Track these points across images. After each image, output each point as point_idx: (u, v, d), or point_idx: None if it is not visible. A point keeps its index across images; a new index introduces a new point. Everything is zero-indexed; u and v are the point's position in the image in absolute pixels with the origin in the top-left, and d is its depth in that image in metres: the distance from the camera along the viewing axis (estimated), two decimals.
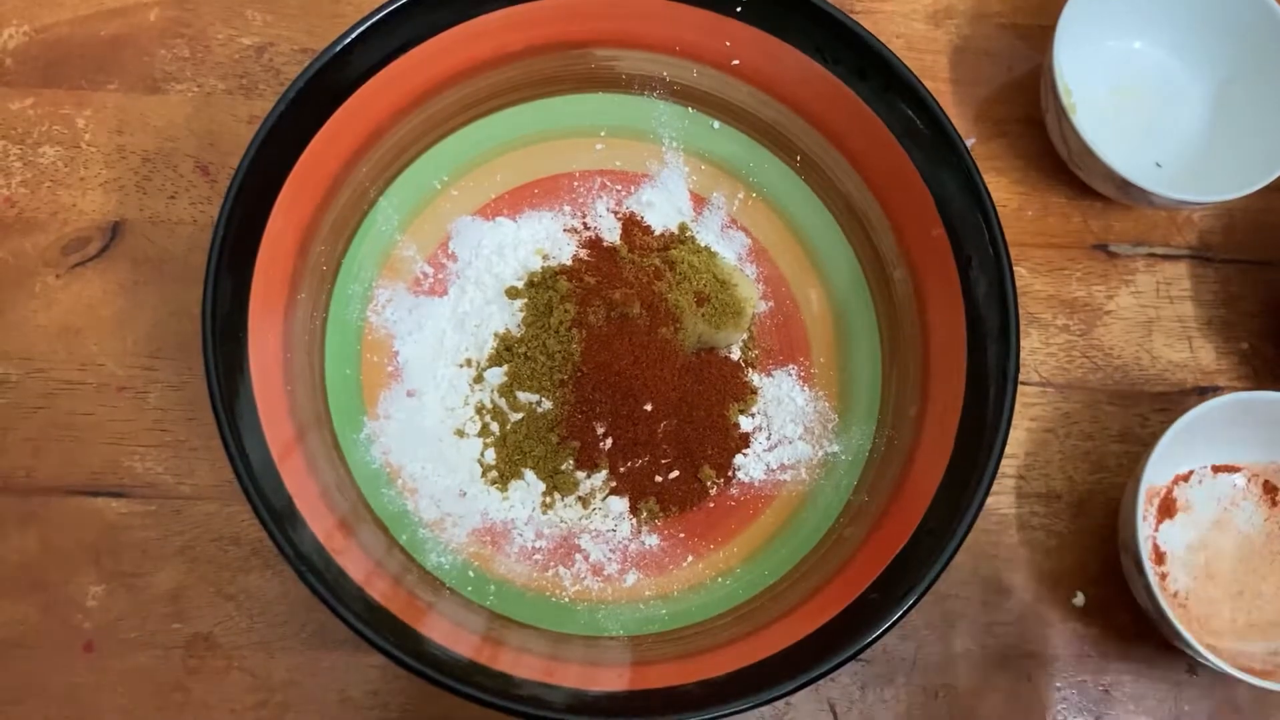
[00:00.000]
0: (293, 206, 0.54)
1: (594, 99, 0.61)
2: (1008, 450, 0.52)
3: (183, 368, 0.60)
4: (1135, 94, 0.67)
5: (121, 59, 0.65)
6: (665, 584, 0.57)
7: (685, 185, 0.63)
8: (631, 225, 0.62)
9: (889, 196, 0.58)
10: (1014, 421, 0.52)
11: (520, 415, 0.58)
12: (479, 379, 0.59)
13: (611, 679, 0.51)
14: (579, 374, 0.56)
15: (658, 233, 0.62)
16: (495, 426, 0.58)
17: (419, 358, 0.59)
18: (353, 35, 0.53)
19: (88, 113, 0.64)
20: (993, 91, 0.68)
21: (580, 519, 0.58)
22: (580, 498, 0.58)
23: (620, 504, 0.58)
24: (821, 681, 0.49)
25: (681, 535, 0.58)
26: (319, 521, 0.51)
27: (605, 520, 0.58)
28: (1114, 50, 0.68)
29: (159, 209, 0.63)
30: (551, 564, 0.57)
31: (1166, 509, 0.60)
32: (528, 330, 0.58)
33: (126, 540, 0.58)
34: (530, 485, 0.57)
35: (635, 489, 0.58)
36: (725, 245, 0.62)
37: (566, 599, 0.56)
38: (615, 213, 0.62)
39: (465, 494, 0.57)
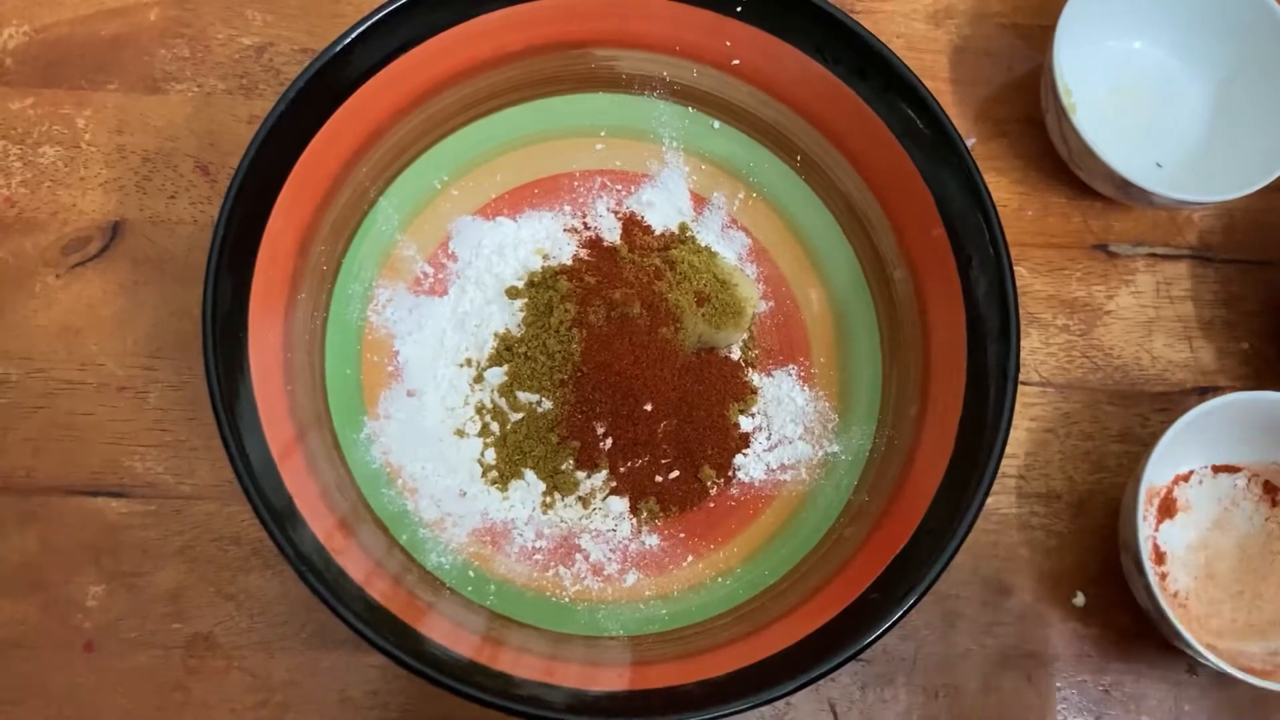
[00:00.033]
0: (293, 206, 0.54)
1: (594, 99, 0.61)
2: (1008, 450, 0.52)
3: (183, 367, 0.60)
4: (1135, 94, 0.67)
5: (121, 59, 0.65)
6: (665, 584, 0.57)
7: (685, 185, 0.63)
8: (632, 225, 0.62)
9: (889, 196, 0.58)
10: (1014, 421, 0.52)
11: (520, 415, 0.58)
12: (479, 379, 0.59)
13: (611, 679, 0.51)
14: (579, 374, 0.56)
15: (658, 232, 0.62)
16: (495, 426, 0.58)
17: (419, 357, 0.59)
18: (353, 35, 0.53)
19: (88, 113, 0.64)
20: (993, 91, 0.68)
21: (580, 519, 0.58)
22: (580, 498, 0.58)
23: (620, 504, 0.58)
24: (822, 681, 0.49)
25: (681, 535, 0.58)
26: (319, 521, 0.51)
27: (605, 520, 0.58)
28: (1114, 50, 0.68)
29: (159, 209, 0.63)
30: (552, 564, 0.57)
31: (1167, 509, 0.60)
32: (528, 330, 0.58)
33: (126, 540, 0.58)
34: (530, 485, 0.57)
35: (635, 489, 0.58)
36: (725, 245, 0.62)
37: (566, 599, 0.56)
38: (615, 212, 0.62)
39: (465, 494, 0.57)
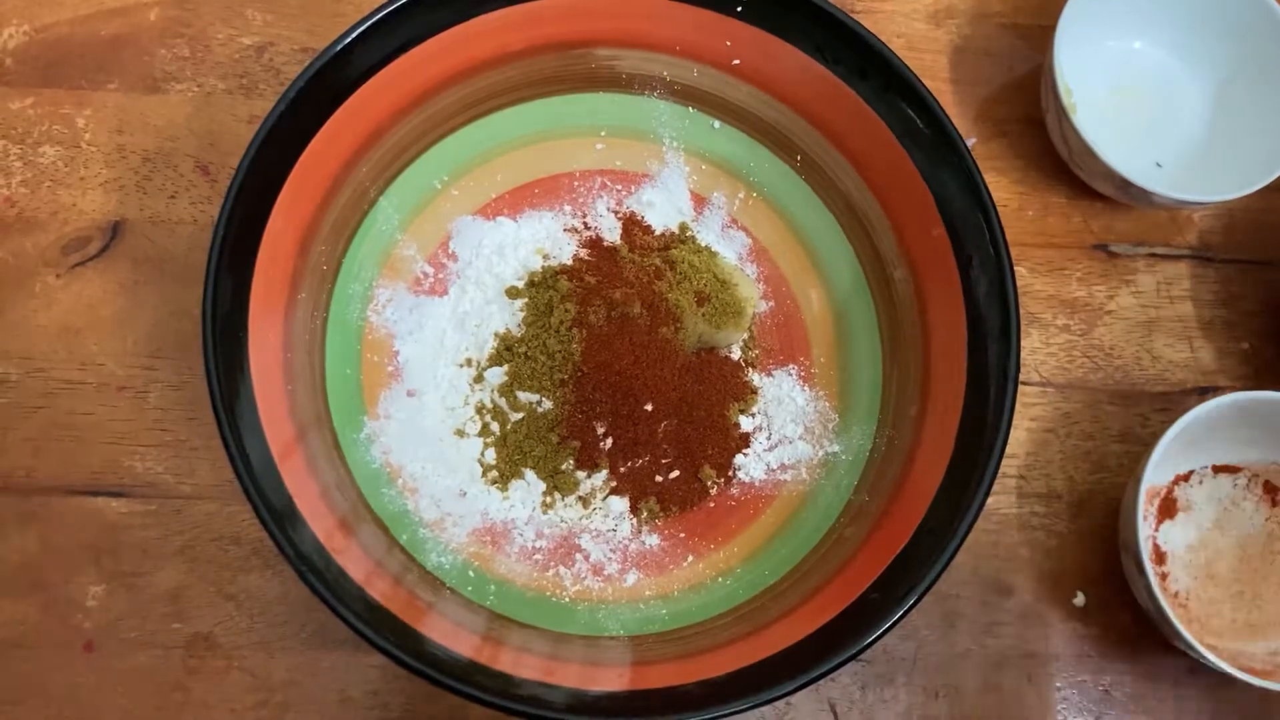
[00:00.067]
0: (293, 206, 0.54)
1: (594, 99, 0.61)
2: (1008, 450, 0.52)
3: (183, 367, 0.60)
4: (1135, 94, 0.67)
5: (122, 59, 0.65)
6: (665, 584, 0.57)
7: (686, 185, 0.63)
8: (632, 225, 0.62)
9: (889, 196, 0.58)
10: (1014, 421, 0.52)
11: (520, 415, 0.58)
12: (479, 379, 0.59)
13: (612, 679, 0.51)
14: (579, 374, 0.56)
15: (658, 232, 0.62)
16: (495, 426, 0.58)
17: (419, 357, 0.59)
18: (353, 35, 0.53)
19: (88, 112, 0.64)
20: (993, 91, 0.68)
21: (580, 519, 0.58)
22: (580, 497, 0.58)
23: (620, 504, 0.58)
24: (822, 681, 0.49)
25: (682, 535, 0.58)
26: (319, 521, 0.51)
27: (605, 520, 0.58)
28: (1114, 50, 0.68)
29: (159, 209, 0.63)
30: (552, 564, 0.57)
31: (1167, 509, 0.60)
32: (528, 330, 0.58)
33: (126, 540, 0.58)
34: (530, 485, 0.57)
35: (635, 489, 0.58)
36: (726, 245, 0.62)
37: (567, 599, 0.56)
38: (616, 212, 0.62)
39: (465, 494, 0.57)
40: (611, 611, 0.56)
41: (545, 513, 0.58)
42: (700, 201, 0.63)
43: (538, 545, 0.57)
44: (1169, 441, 0.56)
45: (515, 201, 0.62)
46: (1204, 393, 0.64)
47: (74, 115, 0.64)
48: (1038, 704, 0.60)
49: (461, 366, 0.59)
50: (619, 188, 0.63)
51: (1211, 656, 0.54)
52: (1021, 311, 0.54)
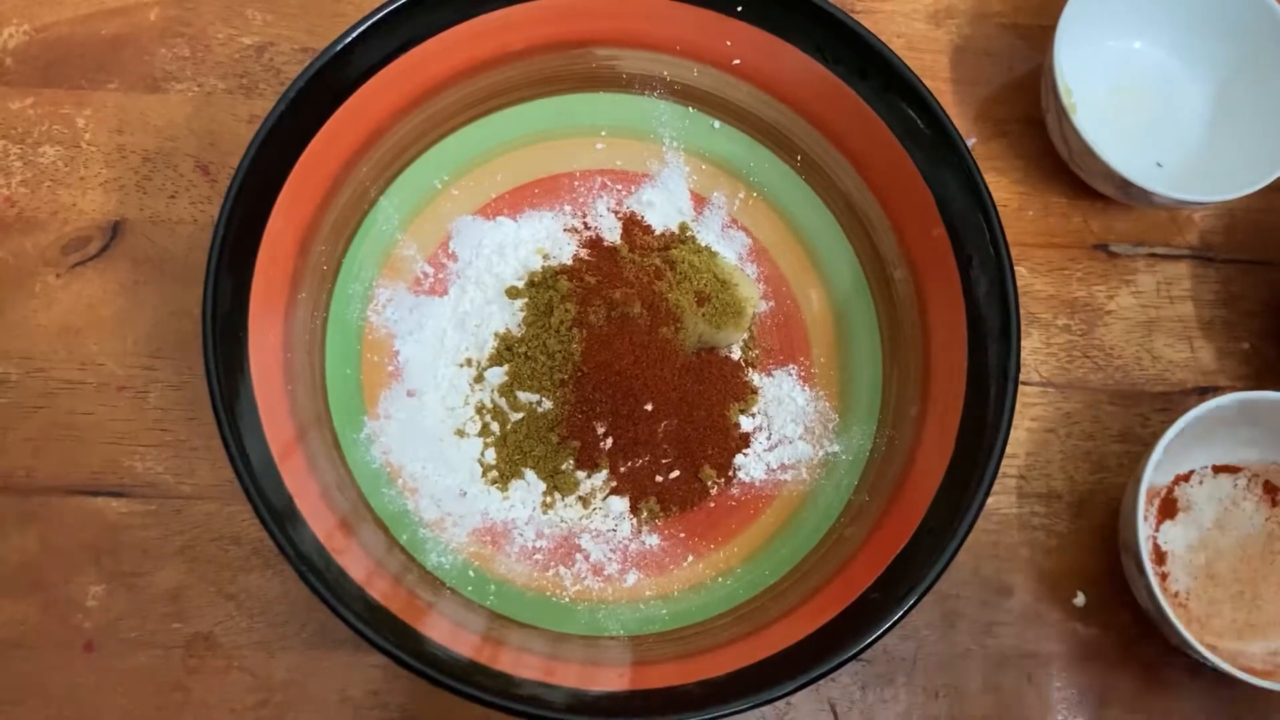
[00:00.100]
0: (293, 206, 0.54)
1: (594, 98, 0.61)
2: (1008, 450, 0.52)
3: (183, 367, 0.60)
4: (1136, 94, 0.67)
5: (122, 58, 0.65)
6: (665, 584, 0.57)
7: (686, 185, 0.63)
8: (632, 225, 0.62)
9: (889, 196, 0.58)
10: (1015, 421, 0.52)
11: (521, 415, 0.58)
12: (479, 379, 0.59)
13: (612, 679, 0.51)
14: (579, 374, 0.56)
15: (658, 232, 0.62)
16: (495, 426, 0.58)
17: (419, 357, 0.59)
18: (353, 35, 0.53)
19: (88, 112, 0.64)
20: (993, 91, 0.68)
21: (581, 519, 0.58)
22: (581, 497, 0.58)
23: (621, 504, 0.58)
24: (822, 681, 0.49)
25: (682, 535, 0.58)
26: (319, 521, 0.51)
27: (606, 520, 0.58)
28: (1114, 50, 0.68)
29: (159, 208, 0.63)
30: (552, 564, 0.57)
31: (1167, 509, 0.60)
32: (528, 330, 0.58)
33: (126, 540, 0.58)
34: (530, 485, 0.57)
35: (636, 489, 0.58)
36: (726, 245, 0.62)
37: (567, 599, 0.56)
38: (616, 212, 0.62)
39: (465, 494, 0.57)
40: (611, 611, 0.56)
41: (545, 513, 0.58)
42: (700, 201, 0.63)
43: (538, 545, 0.57)
44: (1169, 441, 0.56)
45: (515, 201, 0.62)
46: (1204, 393, 0.64)
47: (74, 115, 0.64)
48: (1038, 704, 0.60)
49: (462, 366, 0.59)
50: (619, 188, 0.63)
51: (1211, 656, 0.54)
52: (1022, 311, 0.54)
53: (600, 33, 0.59)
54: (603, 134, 0.62)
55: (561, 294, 0.57)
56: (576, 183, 0.63)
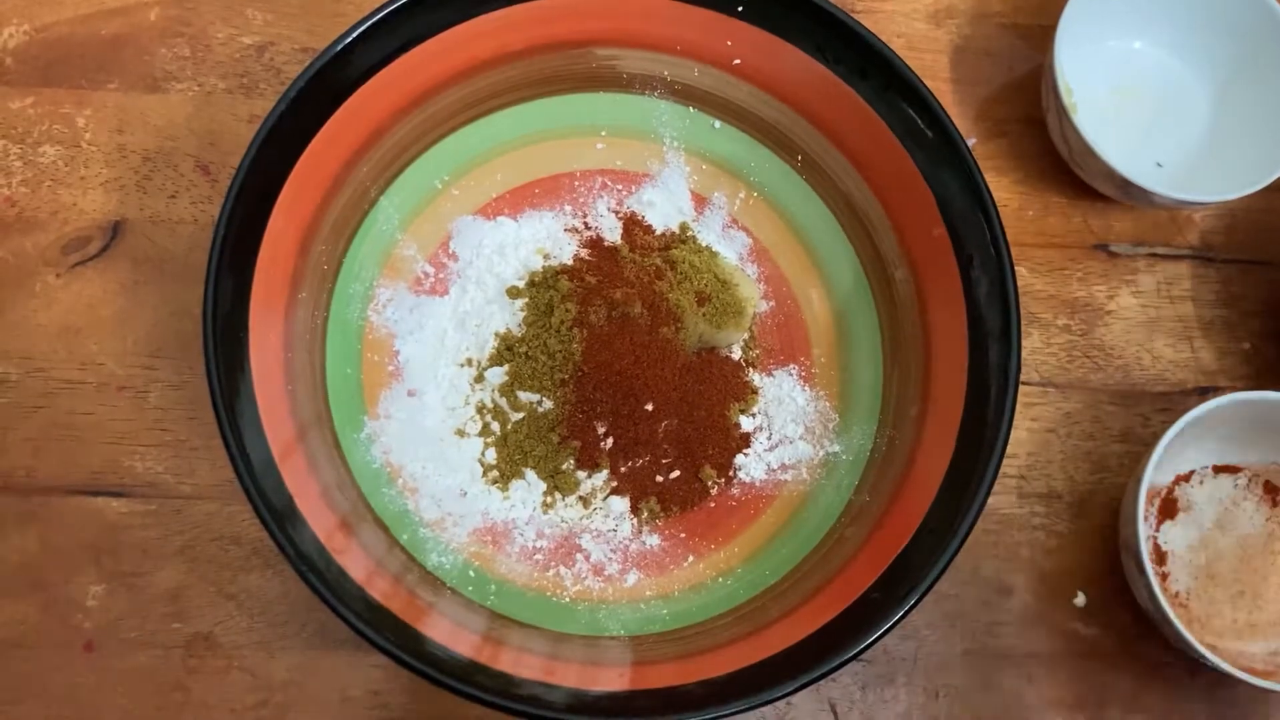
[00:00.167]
0: (293, 206, 0.54)
1: (595, 98, 0.61)
2: (1009, 450, 0.52)
3: (183, 367, 0.60)
4: (1136, 94, 0.67)
5: (122, 58, 0.65)
6: (666, 584, 0.57)
7: (686, 185, 0.63)
8: (632, 225, 0.62)
9: (890, 196, 0.58)
10: (1015, 421, 0.52)
11: (521, 415, 0.58)
12: (480, 378, 0.59)
13: (612, 679, 0.51)
14: (580, 373, 0.56)
15: (659, 232, 0.62)
16: (496, 426, 0.58)
17: (420, 357, 0.59)
18: (354, 35, 0.53)
19: (88, 112, 0.64)
20: (993, 91, 0.68)
21: (581, 519, 0.58)
22: (581, 497, 0.58)
23: (621, 504, 0.58)
24: (822, 681, 0.49)
25: (682, 535, 0.58)
26: (319, 521, 0.51)
27: (606, 520, 0.58)
28: (1115, 50, 0.68)
29: (159, 208, 0.63)
30: (552, 564, 0.57)
31: (1167, 509, 0.60)
32: (529, 330, 0.58)
33: (126, 540, 0.58)
34: (531, 485, 0.57)
35: (636, 489, 0.58)
36: (726, 245, 0.62)
37: (567, 599, 0.56)
38: (616, 212, 0.62)
39: (466, 494, 0.57)
40: (612, 611, 0.56)
41: (546, 513, 0.58)
42: (701, 201, 0.63)
43: (538, 545, 0.57)
44: (1169, 441, 0.56)
45: (516, 201, 0.62)
46: (1204, 393, 0.64)
47: (74, 115, 0.64)
48: (1038, 704, 0.60)
49: (462, 366, 0.59)
50: (619, 187, 0.63)
51: (1212, 656, 0.54)
52: (1022, 311, 0.54)
53: (600, 32, 0.59)
54: (603, 134, 0.62)
55: (562, 294, 0.57)
56: (577, 183, 0.63)
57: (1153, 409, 0.64)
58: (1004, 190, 0.66)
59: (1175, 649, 0.58)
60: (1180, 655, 0.60)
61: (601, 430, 0.57)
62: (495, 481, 0.58)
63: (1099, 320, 0.65)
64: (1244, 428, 0.59)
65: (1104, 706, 0.60)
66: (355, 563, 0.51)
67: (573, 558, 0.57)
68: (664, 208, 0.62)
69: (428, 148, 0.60)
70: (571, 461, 0.57)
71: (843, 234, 0.61)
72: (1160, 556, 0.59)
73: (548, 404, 0.57)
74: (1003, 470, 0.60)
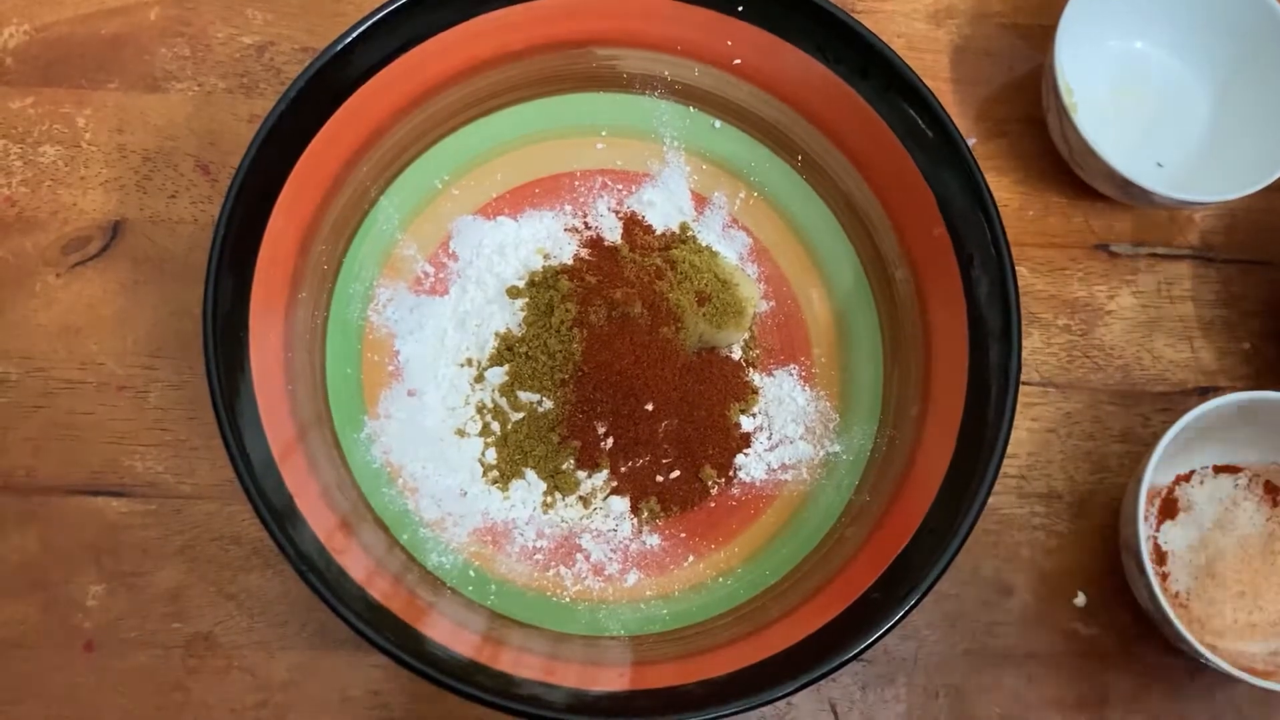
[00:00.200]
0: (293, 206, 0.54)
1: (595, 98, 0.61)
2: (1009, 450, 0.52)
3: (183, 367, 0.60)
4: (1136, 94, 0.67)
5: (122, 58, 0.65)
6: (666, 584, 0.57)
7: (686, 185, 0.63)
8: (633, 225, 0.62)
9: (890, 196, 0.58)
10: (1015, 421, 0.52)
11: (521, 415, 0.58)
12: (480, 378, 0.59)
13: (612, 679, 0.51)
14: (580, 373, 0.56)
15: (659, 232, 0.62)
16: (496, 426, 0.58)
17: (420, 357, 0.59)
18: (354, 34, 0.53)
19: (88, 112, 0.64)
20: (994, 91, 0.68)
21: (581, 519, 0.58)
22: (581, 497, 0.58)
23: (621, 504, 0.58)
24: (822, 681, 0.49)
25: (682, 535, 0.58)
26: (320, 521, 0.51)
27: (606, 520, 0.58)
28: (1115, 50, 0.67)
29: (159, 208, 0.63)
30: (552, 564, 0.57)
31: (1168, 509, 0.60)
32: (529, 330, 0.58)
33: (127, 540, 0.58)
34: (531, 485, 0.57)
35: (636, 489, 0.58)
36: (726, 245, 0.62)
37: (567, 599, 0.56)
38: (616, 212, 0.62)
39: (466, 493, 0.57)
40: (612, 611, 0.56)
41: (546, 512, 0.58)
42: (701, 201, 0.63)
43: (538, 545, 0.57)
44: (1170, 441, 0.56)
45: (516, 201, 0.62)
46: (1205, 393, 0.64)
47: (74, 114, 0.64)
48: (1038, 704, 0.60)
49: (462, 366, 0.59)
50: (620, 187, 0.63)
51: (1212, 657, 0.54)
52: (1022, 311, 0.54)
53: (601, 32, 0.59)
54: (603, 134, 0.62)
55: (562, 294, 0.57)
56: (577, 182, 0.63)
57: (1153, 409, 0.64)
58: (1004, 190, 0.66)
59: (1175, 649, 0.58)
60: (1180, 655, 0.60)
61: (601, 430, 0.57)
62: (495, 481, 0.58)
63: (1099, 320, 0.65)
64: (1244, 428, 0.59)
65: (1104, 706, 0.60)
66: (355, 563, 0.51)
67: (573, 558, 0.57)
68: (664, 207, 0.62)
69: (428, 147, 0.60)
70: (571, 461, 0.57)
71: (843, 234, 0.61)
72: (1160, 556, 0.59)
73: (548, 404, 0.57)
74: (1003, 470, 0.60)
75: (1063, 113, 0.61)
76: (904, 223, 0.57)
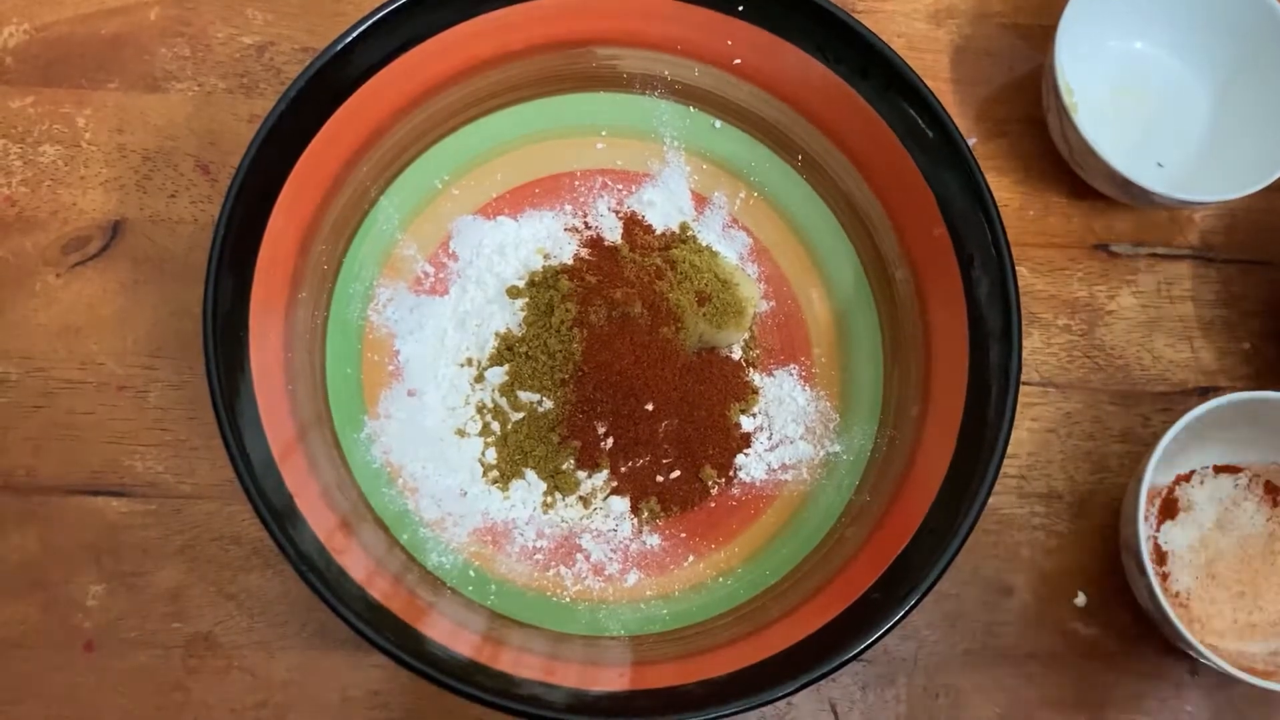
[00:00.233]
0: (293, 206, 0.54)
1: (595, 98, 0.61)
2: (1009, 450, 0.52)
3: (183, 367, 0.60)
4: (1136, 94, 0.67)
5: (122, 57, 0.65)
6: (666, 584, 0.57)
7: (686, 184, 0.63)
8: (633, 224, 0.62)
9: (890, 196, 0.58)
10: (1015, 421, 0.52)
11: (521, 415, 0.58)
12: (480, 378, 0.59)
13: (612, 679, 0.51)
14: (580, 373, 0.56)
15: (659, 232, 0.62)
16: (496, 426, 0.58)
17: (420, 357, 0.59)
18: (354, 34, 0.53)
19: (88, 111, 0.64)
20: (994, 91, 0.68)
21: (581, 519, 0.58)
22: (581, 497, 0.58)
23: (621, 504, 0.58)
24: (822, 681, 0.49)
25: (683, 535, 0.58)
26: (320, 521, 0.51)
27: (606, 520, 0.58)
28: (1115, 50, 0.67)
29: (159, 208, 0.63)
30: (552, 564, 0.57)
31: (1168, 509, 0.60)
32: (529, 329, 0.58)
33: (127, 540, 0.58)
34: (531, 485, 0.57)
35: (636, 489, 0.58)
36: (727, 245, 0.62)
37: (567, 599, 0.56)
38: (616, 212, 0.62)
39: (466, 493, 0.57)
40: (612, 611, 0.56)
41: (546, 512, 0.58)
42: (701, 201, 0.63)
43: (538, 545, 0.57)
44: (1170, 441, 0.56)
45: (516, 201, 0.62)
46: (1205, 393, 0.64)
47: (74, 114, 0.64)
48: (1038, 704, 0.60)
49: (462, 366, 0.59)
50: (620, 187, 0.63)
51: (1212, 656, 0.54)
52: (1023, 311, 0.54)
53: (601, 32, 0.59)
54: (603, 133, 0.62)
55: (562, 293, 0.57)
56: (577, 182, 0.63)
57: (1153, 409, 0.64)
58: (1004, 190, 0.66)
59: (1175, 649, 0.58)
60: (1180, 655, 0.60)
61: (602, 430, 0.57)
62: (495, 481, 0.58)
63: (1099, 320, 0.65)
64: (1244, 428, 0.59)
65: (1104, 706, 0.60)
66: (355, 563, 0.51)
67: (573, 558, 0.57)
68: (664, 207, 0.62)
69: (428, 147, 0.60)
70: (571, 461, 0.57)
71: (843, 234, 0.61)
72: (1160, 556, 0.59)
73: (548, 404, 0.57)
74: (1003, 470, 0.60)
75: (1063, 113, 0.61)
76: (904, 223, 0.57)
